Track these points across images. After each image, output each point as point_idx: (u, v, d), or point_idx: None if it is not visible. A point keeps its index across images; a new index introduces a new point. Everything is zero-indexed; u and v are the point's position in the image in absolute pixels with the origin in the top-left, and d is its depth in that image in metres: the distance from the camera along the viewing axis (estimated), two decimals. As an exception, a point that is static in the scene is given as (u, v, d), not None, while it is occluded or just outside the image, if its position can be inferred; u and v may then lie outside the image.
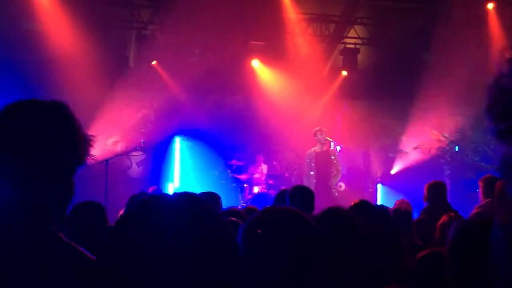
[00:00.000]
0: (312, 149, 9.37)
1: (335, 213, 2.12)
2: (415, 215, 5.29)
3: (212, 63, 11.08)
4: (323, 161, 9.22)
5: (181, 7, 11.31)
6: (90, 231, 3.21)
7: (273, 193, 10.15)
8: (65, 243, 1.41)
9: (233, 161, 11.99)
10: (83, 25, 10.40)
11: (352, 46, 12.82)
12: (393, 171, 12.94)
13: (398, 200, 4.76)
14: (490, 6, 12.03)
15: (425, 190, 5.47)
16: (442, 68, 11.59)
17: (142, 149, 10.75)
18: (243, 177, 11.76)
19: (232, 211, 3.68)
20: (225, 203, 5.90)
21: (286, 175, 11.97)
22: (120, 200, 4.26)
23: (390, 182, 12.66)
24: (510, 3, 11.55)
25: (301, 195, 4.80)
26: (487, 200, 5.21)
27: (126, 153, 10.92)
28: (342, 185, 10.87)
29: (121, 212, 4.69)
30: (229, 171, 11.93)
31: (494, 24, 12.07)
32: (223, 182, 11.89)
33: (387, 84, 12.20)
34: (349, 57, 12.71)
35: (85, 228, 3.27)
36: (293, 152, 12.45)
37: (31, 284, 1.31)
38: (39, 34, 10.49)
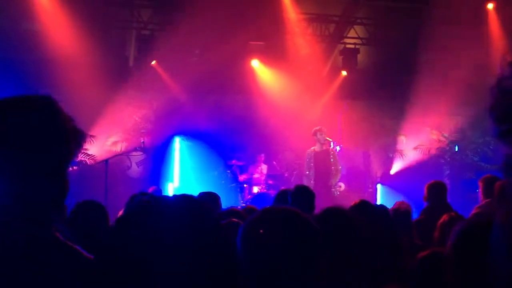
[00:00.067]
0: (312, 148, 9.36)
1: (334, 213, 2.12)
2: (415, 215, 5.28)
3: (212, 63, 11.07)
4: (322, 161, 9.22)
5: (181, 7, 11.31)
6: (91, 230, 3.20)
7: (272, 193, 10.15)
8: (61, 242, 1.40)
9: (233, 161, 11.99)
10: (83, 25, 10.40)
11: (352, 46, 12.82)
12: (392, 171, 12.94)
13: (398, 201, 4.76)
14: (490, 6, 12.04)
15: (425, 190, 5.47)
16: (442, 68, 11.59)
17: (142, 149, 10.75)
18: (242, 177, 11.76)
19: (231, 211, 3.68)
20: (225, 203, 5.89)
21: (286, 175, 11.96)
22: (120, 200, 4.25)
23: (390, 182, 12.65)
24: (510, 3, 11.54)
25: (302, 195, 4.81)
26: (487, 200, 5.21)
27: (126, 153, 10.92)
28: (342, 185, 10.87)
29: (120, 212, 4.70)
30: (228, 171, 11.92)
31: (494, 24, 12.07)
32: (223, 182, 11.89)
33: (386, 84, 12.20)
34: (349, 57, 12.71)
35: (86, 227, 3.27)
36: (293, 152, 12.44)
37: (28, 282, 1.31)
38: (39, 34, 10.50)
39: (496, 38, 12.05)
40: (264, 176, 11.72)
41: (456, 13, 10.99)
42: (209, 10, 10.82)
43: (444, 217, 3.73)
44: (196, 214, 1.14)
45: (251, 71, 12.49)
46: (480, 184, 5.45)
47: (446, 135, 12.81)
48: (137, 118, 11.99)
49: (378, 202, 11.09)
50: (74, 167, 10.98)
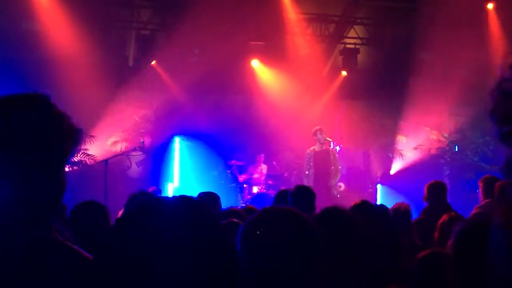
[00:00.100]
0: (311, 148, 9.35)
1: (334, 213, 2.12)
2: (415, 216, 5.28)
3: (212, 63, 11.07)
4: (322, 161, 9.20)
5: (181, 7, 11.31)
6: (92, 231, 3.20)
7: (272, 193, 10.15)
8: (61, 243, 1.40)
9: (233, 161, 11.99)
10: (83, 25, 10.40)
11: (352, 46, 12.82)
12: (392, 171, 12.94)
13: (397, 202, 4.76)
14: (490, 6, 12.04)
15: (425, 190, 5.47)
16: (442, 69, 11.59)
17: (142, 149, 10.74)
18: (242, 177, 11.76)
19: (231, 211, 3.68)
20: (225, 203, 5.90)
21: (286, 175, 11.97)
22: (120, 200, 4.25)
23: (390, 182, 12.65)
24: (510, 3, 11.54)
25: (303, 195, 4.81)
26: (487, 200, 5.21)
27: (125, 153, 10.92)
28: (342, 185, 10.87)
29: (120, 212, 4.70)
30: (228, 171, 11.92)
31: (494, 24, 12.07)
32: (223, 182, 11.89)
33: (386, 84, 12.20)
34: (349, 57, 12.71)
35: (87, 228, 3.26)
36: (292, 152, 12.45)
37: (30, 284, 1.31)
38: (39, 34, 10.50)
39: (496, 38, 12.05)
40: (264, 176, 11.72)
41: (456, 13, 10.98)
42: (209, 10, 10.82)
43: (444, 217, 3.73)
44: (196, 214, 1.14)
45: (251, 71, 12.49)
46: (480, 184, 5.45)
47: (446, 135, 12.82)
48: (137, 118, 11.99)
49: (378, 202, 11.09)
50: (74, 167, 10.99)
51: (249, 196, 11.28)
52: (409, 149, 12.84)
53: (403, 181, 12.18)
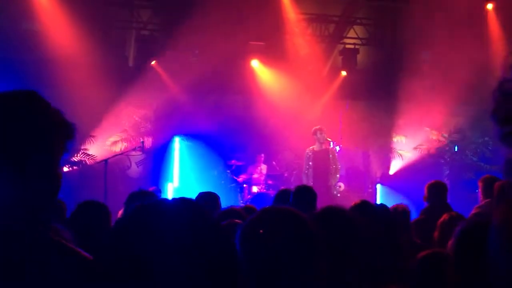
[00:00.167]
0: (311, 147, 9.34)
1: (333, 212, 2.12)
2: (414, 216, 5.29)
3: (212, 63, 11.07)
4: (321, 160, 9.19)
5: (181, 8, 11.31)
6: (93, 230, 3.20)
7: (272, 193, 10.15)
8: (60, 243, 1.38)
9: (233, 161, 11.99)
10: (83, 25, 10.41)
11: (352, 46, 12.83)
12: (392, 171, 12.94)
13: (395, 204, 4.76)
14: (490, 6, 12.04)
15: (425, 190, 5.47)
16: (441, 69, 11.60)
17: (142, 149, 10.74)
18: (242, 177, 11.76)
19: (231, 211, 3.67)
20: (224, 203, 5.89)
21: (286, 175, 11.97)
22: (120, 200, 4.25)
23: (390, 182, 12.66)
24: (509, 3, 11.55)
25: (304, 195, 4.82)
26: (486, 200, 5.21)
27: (125, 153, 10.92)
28: (342, 185, 10.86)
29: (120, 212, 4.70)
30: (228, 171, 11.92)
31: (493, 24, 12.08)
32: (222, 182, 11.89)
33: (386, 85, 12.21)
34: (348, 57, 12.72)
35: (88, 227, 3.26)
36: (292, 152, 12.45)
37: (28, 285, 1.30)
38: (39, 34, 10.50)
39: (496, 38, 12.06)
40: (264, 176, 11.72)
41: (455, 13, 10.99)
42: (209, 10, 10.82)
43: (444, 217, 3.73)
44: (196, 215, 1.15)
45: (251, 71, 12.49)
46: (479, 184, 5.45)
47: (445, 135, 12.82)
48: (137, 118, 11.99)
49: (378, 202, 11.09)
50: (74, 167, 11.00)
51: (248, 196, 11.28)
52: (409, 149, 12.85)
53: (402, 181, 12.18)
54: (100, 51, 10.46)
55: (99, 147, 11.28)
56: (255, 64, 12.48)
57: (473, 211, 5.24)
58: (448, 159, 12.83)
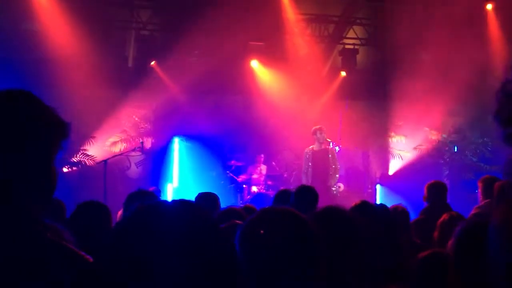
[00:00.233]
0: (310, 147, 9.33)
1: (333, 212, 2.12)
2: (414, 216, 5.29)
3: (212, 64, 11.07)
4: (321, 160, 9.17)
5: (180, 8, 11.31)
6: (94, 231, 3.19)
7: (271, 193, 10.15)
8: (56, 242, 1.37)
9: (232, 162, 11.99)
10: (83, 25, 10.40)
11: (351, 46, 12.83)
12: (391, 172, 12.95)
13: (394, 204, 4.77)
14: (489, 6, 12.05)
15: (425, 190, 5.47)
16: (441, 69, 11.60)
17: (141, 149, 10.74)
18: (242, 177, 11.76)
19: (230, 210, 3.67)
20: (224, 203, 5.89)
21: (285, 175, 11.97)
22: (119, 201, 4.25)
23: (389, 182, 12.65)
24: (509, 3, 11.56)
25: (305, 195, 4.81)
26: (486, 200, 5.20)
27: (125, 154, 10.92)
28: (341, 186, 10.86)
29: (120, 212, 4.69)
30: (228, 171, 11.92)
31: (493, 25, 12.09)
32: (222, 182, 11.89)
33: (386, 85, 12.22)
34: (348, 58, 12.71)
35: (89, 228, 3.26)
36: (292, 152, 12.45)
37: (23, 284, 1.29)
38: (39, 34, 10.50)
39: (495, 39, 12.07)
40: (263, 176, 11.71)
41: (455, 13, 10.99)
42: (209, 10, 10.83)
43: (444, 216, 3.73)
44: (196, 217, 1.15)
45: (251, 71, 12.49)
46: (479, 184, 5.45)
47: (445, 135, 12.83)
48: (136, 119, 11.99)
49: (378, 203, 11.07)
50: (74, 168, 10.99)
51: (248, 197, 11.28)
52: (408, 149, 12.85)
53: (402, 181, 12.18)
54: (100, 51, 10.46)
55: (98, 147, 11.28)
56: (255, 64, 12.48)
57: (472, 212, 5.24)
58: (448, 160, 12.83)
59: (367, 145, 13.10)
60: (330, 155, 9.23)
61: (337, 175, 9.36)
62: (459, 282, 1.76)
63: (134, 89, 11.63)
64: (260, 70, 12.57)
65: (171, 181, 12.33)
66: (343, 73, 12.75)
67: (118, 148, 11.53)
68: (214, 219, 1.22)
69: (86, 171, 10.91)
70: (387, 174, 12.93)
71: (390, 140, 13.00)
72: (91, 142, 11.16)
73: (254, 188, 11.46)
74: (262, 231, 1.57)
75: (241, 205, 10.18)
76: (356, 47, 12.81)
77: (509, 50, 11.75)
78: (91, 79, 10.28)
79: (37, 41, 10.35)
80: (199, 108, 11.99)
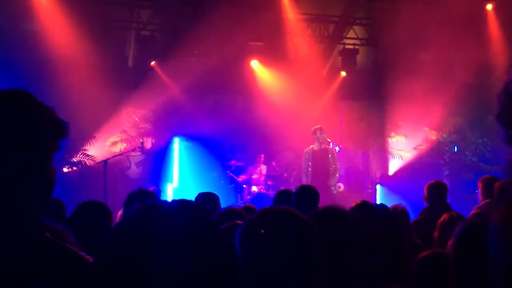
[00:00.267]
0: (310, 146, 9.32)
1: (333, 212, 2.12)
2: (414, 216, 5.29)
3: (211, 64, 11.08)
4: (321, 159, 9.16)
5: (180, 8, 11.31)
6: (94, 231, 3.19)
7: (271, 193, 10.15)
8: (54, 242, 1.36)
9: (232, 162, 11.99)
10: (83, 25, 10.40)
11: (351, 46, 12.83)
12: (391, 172, 12.95)
13: (393, 205, 4.77)
14: (489, 6, 12.05)
15: (425, 190, 5.46)
16: (441, 69, 11.60)
17: (141, 149, 10.75)
18: (242, 177, 11.76)
19: (230, 210, 3.67)
20: (224, 203, 5.89)
21: (285, 175, 11.97)
22: (119, 201, 4.25)
23: (389, 182, 12.65)
24: (509, 3, 11.56)
25: (307, 195, 4.81)
26: (486, 200, 5.20)
27: (125, 154, 10.92)
28: (341, 186, 10.85)
29: (120, 213, 4.69)
30: (228, 171, 11.93)
31: (493, 25, 12.09)
32: (222, 182, 11.89)
33: (386, 85, 12.21)
34: (348, 58, 12.72)
35: (90, 228, 3.25)
36: (292, 152, 12.45)
37: (22, 283, 1.29)
38: (39, 34, 10.49)
39: (495, 39, 12.07)
40: (263, 176, 11.71)
41: (455, 13, 10.99)
42: (209, 10, 10.83)
43: (444, 216, 3.73)
44: (196, 217, 1.15)
45: (251, 71, 12.49)
46: (479, 184, 5.45)
47: (445, 135, 12.83)
48: (136, 119, 11.99)
49: (378, 203, 11.05)
50: (74, 168, 11.00)
51: (248, 197, 11.28)
52: (408, 149, 12.85)
53: (402, 181, 12.18)
54: (100, 51, 10.46)
55: (98, 147, 11.28)
56: (255, 64, 12.48)
57: (473, 212, 5.24)
58: (448, 160, 12.84)
59: (367, 145, 13.10)
60: (330, 155, 9.22)
61: (337, 175, 9.35)
62: (459, 282, 1.76)
63: (134, 89, 11.64)
64: (260, 70, 12.57)
65: (171, 181, 12.33)
66: (343, 73, 12.75)
67: (118, 148, 11.53)
68: (215, 219, 1.22)
69: (86, 171, 10.91)
70: (387, 174, 12.93)
71: (390, 140, 13.00)
72: (91, 142, 11.17)
73: (254, 188, 11.46)
74: (262, 231, 1.57)
75: (241, 205, 10.19)
76: (356, 47, 12.81)
77: (509, 50, 11.75)
78: (91, 79, 10.28)
79: (37, 41, 10.34)
80: (199, 108, 11.99)
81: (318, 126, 9.31)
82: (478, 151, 12.68)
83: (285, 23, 12.13)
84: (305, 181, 8.95)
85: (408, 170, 12.57)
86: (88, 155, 11.06)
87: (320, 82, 12.67)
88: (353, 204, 2.66)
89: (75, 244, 1.54)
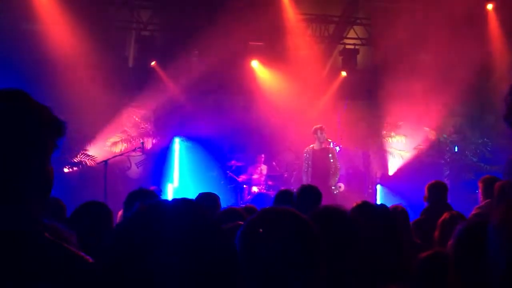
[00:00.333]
0: (310, 146, 9.31)
1: (333, 212, 2.12)
2: (415, 216, 5.29)
3: (212, 64, 11.08)
4: (321, 159, 9.16)
5: (181, 8, 11.31)
6: (95, 231, 3.19)
7: (272, 193, 10.14)
8: (54, 242, 1.36)
9: (233, 162, 11.99)
10: (83, 25, 10.41)
11: (352, 46, 12.83)
12: (392, 172, 12.94)
13: (393, 205, 4.77)
14: (490, 6, 12.05)
15: (425, 190, 5.46)
16: (441, 69, 11.60)
17: (142, 149, 10.75)
18: (242, 177, 11.76)
19: (230, 210, 3.67)
20: (224, 203, 5.89)
21: (286, 175, 11.96)
22: (120, 201, 4.25)
23: (390, 183, 12.65)
24: (509, 3, 11.56)
25: (309, 194, 4.81)
26: (486, 200, 5.20)
27: (125, 154, 10.93)
28: (342, 186, 10.85)
29: (120, 213, 4.69)
30: (228, 171, 11.93)
31: (493, 24, 12.09)
32: (222, 182, 11.89)
33: (386, 85, 12.22)
34: (348, 58, 12.72)
35: (90, 228, 3.25)
36: (292, 152, 12.45)
37: (19, 283, 1.28)
38: (39, 34, 10.50)
39: (496, 39, 12.07)
40: (264, 176, 11.71)
41: (456, 13, 10.99)
42: (209, 10, 10.83)
43: (445, 215, 3.72)
44: (197, 216, 1.15)
45: (251, 71, 12.49)
46: (480, 184, 5.44)
47: (445, 135, 12.83)
48: (137, 119, 12.00)
49: (378, 203, 11.04)
50: (74, 168, 11.00)
51: (248, 197, 11.28)
52: (408, 149, 12.85)
53: (402, 181, 12.18)
54: (100, 51, 10.46)
55: (99, 148, 11.28)
56: (255, 64, 12.48)
57: (473, 212, 5.24)
58: (448, 160, 12.84)
59: (367, 145, 13.10)
60: (330, 155, 9.21)
61: (337, 175, 9.34)
62: (459, 282, 1.76)
63: (134, 89, 11.64)
64: (260, 70, 12.57)
65: (172, 181, 12.34)
66: (344, 73, 12.75)
67: (119, 148, 11.53)
68: (215, 218, 1.22)
69: (86, 172, 10.91)
70: (388, 174, 12.93)
71: (390, 140, 13.00)
72: (91, 143, 11.17)
73: (255, 188, 11.46)
74: (260, 230, 1.57)
75: (242, 205, 10.19)
76: (356, 47, 12.81)
77: (509, 50, 11.76)
78: (91, 79, 10.29)
79: (37, 41, 10.35)
80: (200, 108, 12.00)
81: (319, 125, 9.30)
82: (478, 151, 12.68)
83: (285, 23, 12.13)
84: (305, 180, 8.95)
85: (408, 170, 12.57)
86: (88, 155, 11.06)
87: (320, 82, 12.67)
88: (354, 204, 2.66)
89: (77, 244, 1.54)
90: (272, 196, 7.36)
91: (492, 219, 1.00)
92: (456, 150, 12.87)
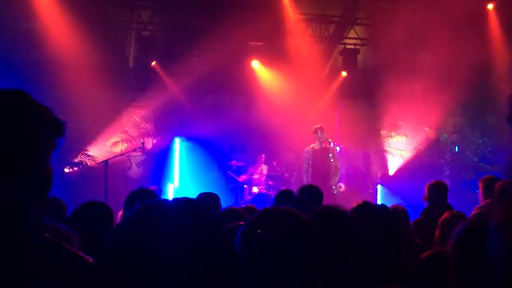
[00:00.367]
0: (311, 145, 9.30)
1: (333, 212, 2.12)
2: (415, 216, 5.28)
3: (212, 64, 11.08)
4: (321, 159, 9.15)
5: (181, 8, 11.32)
6: (96, 231, 3.19)
7: (272, 193, 10.14)
8: (53, 242, 1.36)
9: (233, 162, 11.99)
10: (83, 25, 10.41)
11: (352, 46, 12.83)
12: (392, 172, 12.94)
13: (393, 205, 4.77)
14: (490, 6, 12.05)
15: (425, 190, 5.45)
16: (442, 68, 11.60)
17: (142, 149, 10.75)
18: (242, 177, 11.76)
19: (230, 210, 3.67)
20: (224, 203, 5.89)
21: (286, 175, 11.96)
22: (120, 201, 4.25)
23: (390, 183, 12.65)
24: (510, 3, 11.56)
25: (310, 194, 4.81)
26: (487, 200, 5.20)
27: (126, 154, 10.93)
28: (342, 186, 10.85)
29: (120, 213, 4.69)
30: (228, 171, 11.93)
31: (494, 24, 12.09)
32: (222, 182, 11.90)
33: (386, 85, 12.22)
34: (348, 58, 12.72)
35: (91, 228, 3.25)
36: (293, 152, 12.45)
37: (20, 285, 1.29)
38: (39, 34, 10.50)
39: (496, 38, 12.07)
40: (264, 176, 11.71)
41: (456, 13, 10.99)
42: (209, 10, 10.83)
43: (446, 215, 3.72)
44: (198, 216, 1.15)
45: (251, 71, 12.49)
46: (480, 184, 5.44)
47: (446, 135, 12.82)
48: (137, 119, 12.00)
49: (378, 203, 11.04)
50: (75, 168, 11.00)
51: (249, 197, 11.28)
52: (408, 149, 12.85)
53: (403, 181, 12.18)
54: (100, 51, 10.46)
55: (99, 148, 11.29)
56: (255, 64, 12.48)
57: (473, 212, 5.24)
58: (448, 160, 12.83)
59: (367, 145, 13.10)
60: (330, 154, 9.20)
61: (338, 175, 9.34)
62: (459, 282, 1.76)
63: (134, 89, 11.65)
64: (260, 71, 12.57)
65: (172, 181, 12.34)
66: (344, 73, 12.75)
67: (119, 148, 11.54)
68: (216, 218, 1.22)
69: (87, 172, 10.92)
70: (388, 174, 12.93)
71: (390, 140, 13.00)
72: (92, 143, 11.17)
73: (255, 188, 11.46)
74: (259, 231, 1.57)
75: (242, 205, 10.18)
76: (357, 47, 12.81)
77: (510, 50, 11.76)
78: (91, 79, 10.29)
79: (37, 41, 10.35)
80: (200, 108, 12.00)
81: (319, 125, 9.30)
82: (478, 151, 12.67)
83: (286, 23, 12.13)
84: (306, 180, 8.94)
85: (408, 170, 12.57)
86: (89, 156, 11.06)
87: (320, 82, 12.67)
88: (354, 204, 2.66)
89: (79, 245, 1.53)
90: (273, 196, 7.36)
91: (492, 219, 1.00)
92: (456, 150, 12.87)
